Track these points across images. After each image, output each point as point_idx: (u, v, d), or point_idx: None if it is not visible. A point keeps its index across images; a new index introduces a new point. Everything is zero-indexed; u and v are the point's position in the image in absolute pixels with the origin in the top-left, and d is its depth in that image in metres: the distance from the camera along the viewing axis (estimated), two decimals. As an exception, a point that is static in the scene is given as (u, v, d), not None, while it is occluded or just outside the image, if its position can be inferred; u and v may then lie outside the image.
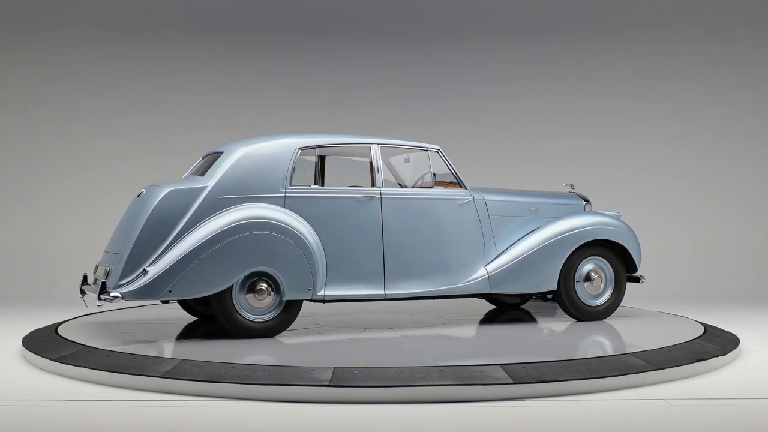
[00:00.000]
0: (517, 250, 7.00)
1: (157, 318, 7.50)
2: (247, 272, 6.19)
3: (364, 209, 6.56)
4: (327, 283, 6.41)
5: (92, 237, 9.50)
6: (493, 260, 6.95)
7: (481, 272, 6.87)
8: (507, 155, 10.98)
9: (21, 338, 6.61)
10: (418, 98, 11.12)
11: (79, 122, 10.96)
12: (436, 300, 7.13)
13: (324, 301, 6.44)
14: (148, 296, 6.03)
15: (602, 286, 7.22)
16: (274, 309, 6.35)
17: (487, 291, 6.88)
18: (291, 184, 6.41)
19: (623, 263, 7.29)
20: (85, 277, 6.54)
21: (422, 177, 6.98)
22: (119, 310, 8.05)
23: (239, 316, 6.25)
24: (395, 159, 7.12)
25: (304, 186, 6.48)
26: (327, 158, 7.17)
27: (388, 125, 10.51)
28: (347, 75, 11.12)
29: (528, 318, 7.55)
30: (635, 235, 7.34)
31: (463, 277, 6.81)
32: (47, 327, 6.98)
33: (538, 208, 7.26)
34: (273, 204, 6.33)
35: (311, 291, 6.33)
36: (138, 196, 6.49)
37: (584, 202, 7.56)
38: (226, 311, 6.22)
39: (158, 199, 6.17)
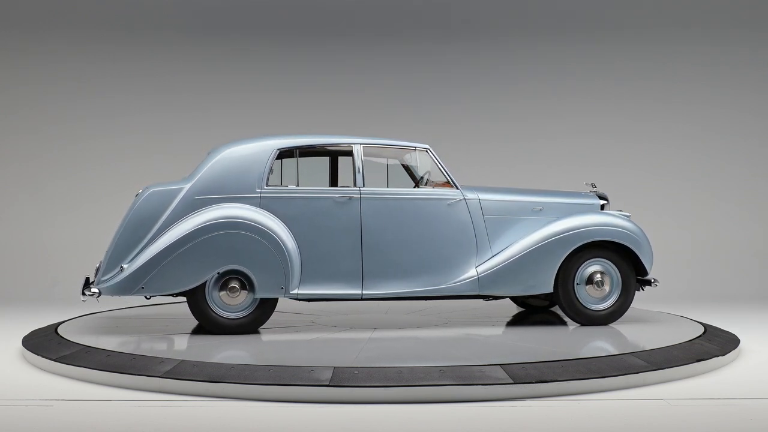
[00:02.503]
0: (510, 251, 6.81)
1: (157, 317, 7.50)
2: (218, 270, 6.39)
3: (342, 209, 6.58)
4: (302, 282, 6.49)
5: (92, 237, 9.50)
6: (485, 261, 6.82)
7: (471, 273, 6.73)
8: (507, 155, 10.95)
9: (21, 338, 6.61)
10: (422, 99, 11.09)
11: (79, 122, 10.96)
12: (429, 301, 7.02)
13: (298, 300, 6.54)
14: (122, 292, 6.31)
15: (608, 289, 6.92)
16: (248, 306, 6.49)
17: (476, 292, 6.72)
18: (268, 185, 6.53)
19: (632, 266, 6.95)
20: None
21: (424, 176, 6.98)
22: (119, 309, 8.06)
23: (212, 313, 6.44)
24: (408, 157, 7.08)
25: (280, 186, 6.59)
26: (338, 159, 7.17)
27: (390, 125, 10.50)
28: (348, 75, 11.11)
29: (555, 320, 7.34)
30: (646, 237, 6.99)
31: (450, 277, 6.71)
32: (47, 327, 6.99)
33: (542, 209, 7.01)
34: (248, 204, 6.47)
35: (284, 289, 6.42)
36: (136, 196, 6.65)
37: (601, 202, 7.21)
38: (198, 308, 6.44)
39: (140, 200, 6.50)
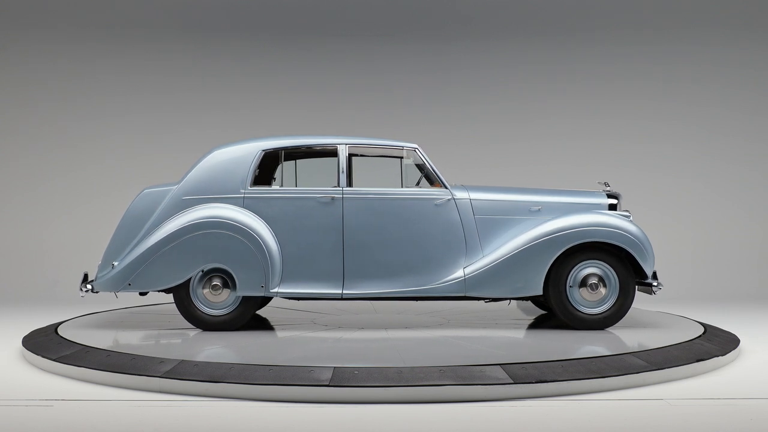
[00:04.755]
0: (499, 252, 6.64)
1: (157, 317, 7.50)
2: (201, 268, 6.60)
3: (325, 209, 6.64)
4: (283, 281, 6.60)
5: (92, 237, 9.50)
6: (474, 262, 6.68)
7: (458, 274, 6.62)
8: (506, 156, 10.96)
9: (21, 338, 6.61)
10: (425, 100, 11.09)
11: (79, 122, 10.96)
12: (428, 302, 7.00)
13: (281, 297, 6.67)
14: (111, 288, 6.62)
15: (603, 292, 6.65)
16: (231, 304, 6.68)
17: (462, 293, 6.59)
18: (252, 185, 6.68)
19: (631, 268, 6.67)
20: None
21: (422, 176, 6.95)
22: (119, 309, 8.06)
23: (196, 310, 6.66)
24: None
25: (263, 187, 6.74)
26: (352, 159, 7.14)
27: (393, 126, 10.50)
28: (347, 76, 11.10)
29: (564, 322, 7.13)
30: (646, 238, 6.67)
31: (436, 278, 6.63)
32: (47, 327, 7.00)
33: (540, 208, 6.80)
34: (232, 204, 6.65)
35: (264, 288, 6.55)
36: None
37: (610, 201, 6.91)
38: (183, 305, 6.68)
39: (134, 200, 6.80)
